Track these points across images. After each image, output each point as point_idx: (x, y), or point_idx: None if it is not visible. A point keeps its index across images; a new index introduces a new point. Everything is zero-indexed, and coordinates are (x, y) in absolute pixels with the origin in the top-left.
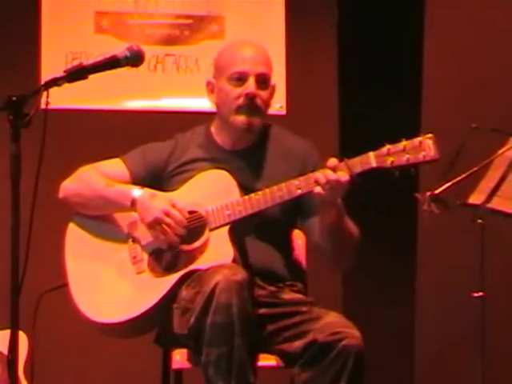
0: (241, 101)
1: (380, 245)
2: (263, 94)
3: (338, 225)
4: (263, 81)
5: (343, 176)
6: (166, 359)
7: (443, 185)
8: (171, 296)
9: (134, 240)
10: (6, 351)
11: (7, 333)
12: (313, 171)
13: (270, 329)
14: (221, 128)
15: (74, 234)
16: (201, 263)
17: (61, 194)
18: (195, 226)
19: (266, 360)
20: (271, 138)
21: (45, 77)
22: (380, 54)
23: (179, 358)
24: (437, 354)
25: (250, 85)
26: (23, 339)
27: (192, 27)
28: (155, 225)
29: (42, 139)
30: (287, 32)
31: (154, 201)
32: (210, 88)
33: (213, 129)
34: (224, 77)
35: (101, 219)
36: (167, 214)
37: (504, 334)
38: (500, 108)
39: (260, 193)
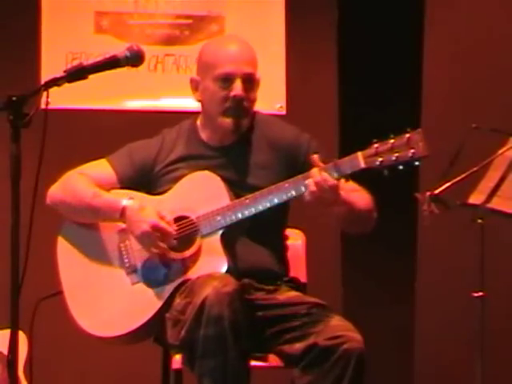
0: (228, 104)
1: (380, 245)
2: (250, 94)
3: (346, 215)
4: (250, 80)
5: (329, 179)
6: (166, 359)
7: (443, 185)
8: (166, 307)
9: (127, 250)
10: (6, 351)
11: (7, 333)
12: (305, 160)
13: (270, 331)
14: (206, 125)
15: (65, 248)
16: (194, 273)
17: (48, 201)
18: (187, 234)
19: (266, 360)
20: (257, 128)
21: (45, 77)
22: (380, 54)
23: (179, 357)
24: (437, 353)
25: (237, 87)
26: (23, 339)
27: (192, 27)
28: (145, 238)
29: (42, 139)
30: (287, 32)
31: (141, 214)
32: (194, 85)
33: (199, 125)
34: (209, 76)
35: (90, 228)
36: (156, 228)
37: (504, 334)
38: (500, 108)
39: (250, 196)
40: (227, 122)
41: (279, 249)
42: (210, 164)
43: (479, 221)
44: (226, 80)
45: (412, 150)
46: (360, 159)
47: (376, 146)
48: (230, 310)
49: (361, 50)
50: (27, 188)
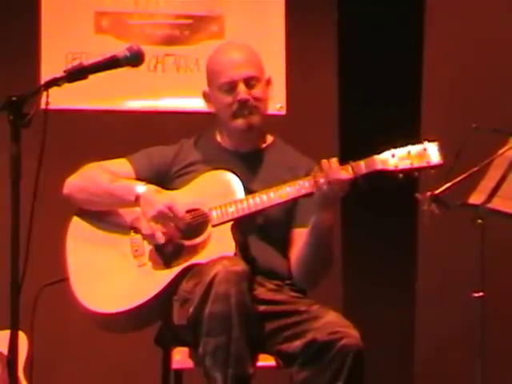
0: (234, 107)
1: (380, 245)
2: (256, 92)
3: (325, 237)
4: (252, 82)
5: (345, 174)
6: (166, 359)
7: (443, 185)
8: (171, 289)
9: (136, 234)
10: (6, 351)
11: (7, 333)
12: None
13: (270, 327)
14: (223, 131)
15: (77, 228)
16: (202, 257)
17: (65, 190)
18: (198, 223)
19: (266, 360)
20: (275, 148)
21: (45, 77)
22: (380, 54)
23: (179, 357)
24: (437, 353)
25: (240, 91)
26: (23, 339)
27: (192, 27)
28: (158, 218)
29: (42, 139)
30: (287, 32)
31: (157, 196)
32: (207, 98)
33: (217, 132)
34: (215, 87)
35: (104, 215)
36: (170, 209)
37: (504, 333)
38: (500, 108)
39: (264, 192)
40: (238, 123)
41: (286, 252)
42: (227, 168)
43: (479, 221)
44: (230, 87)
45: (427, 159)
46: (376, 161)
47: (392, 151)
48: (237, 289)
49: (361, 49)
50: (27, 188)
